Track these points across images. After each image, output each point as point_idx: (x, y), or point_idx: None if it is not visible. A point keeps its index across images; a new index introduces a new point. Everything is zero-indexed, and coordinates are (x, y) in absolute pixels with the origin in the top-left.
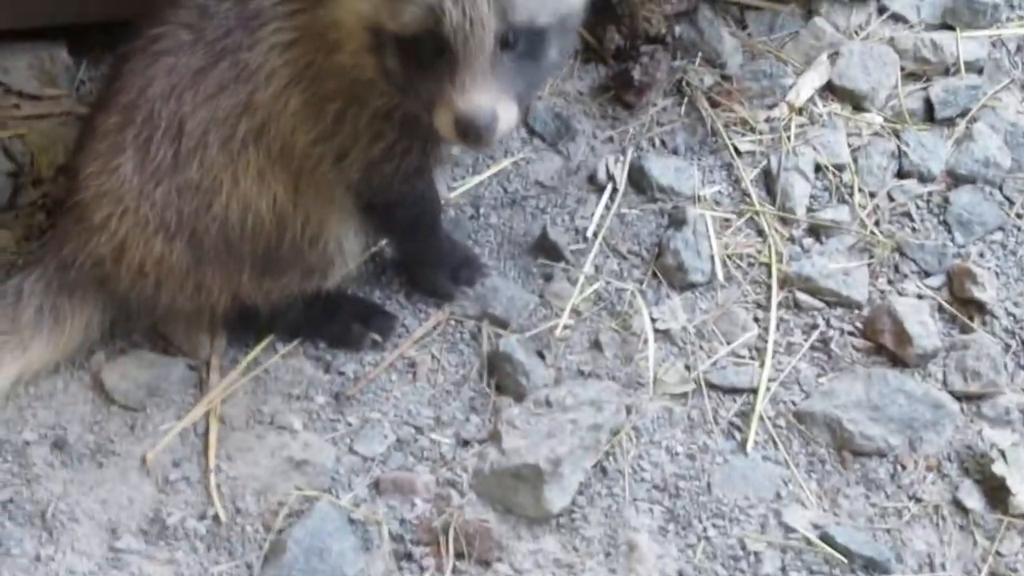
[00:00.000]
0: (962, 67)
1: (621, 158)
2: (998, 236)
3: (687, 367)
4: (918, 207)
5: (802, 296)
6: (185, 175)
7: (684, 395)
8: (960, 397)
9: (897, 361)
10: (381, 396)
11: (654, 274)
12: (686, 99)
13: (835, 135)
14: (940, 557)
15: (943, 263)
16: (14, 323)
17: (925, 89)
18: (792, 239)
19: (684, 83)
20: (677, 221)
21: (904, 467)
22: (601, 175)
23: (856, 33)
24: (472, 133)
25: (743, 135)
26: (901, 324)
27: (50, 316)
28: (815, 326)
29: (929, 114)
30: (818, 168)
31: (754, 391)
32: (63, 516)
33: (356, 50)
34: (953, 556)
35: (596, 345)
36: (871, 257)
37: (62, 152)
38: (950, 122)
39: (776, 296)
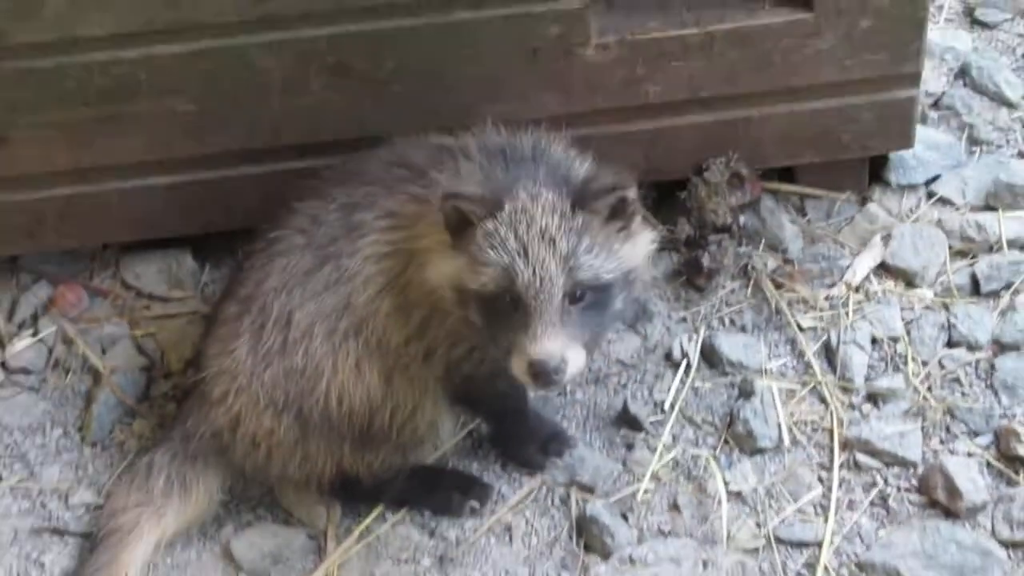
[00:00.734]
0: (1005, 244)
1: (694, 336)
2: None
3: (758, 524)
4: (967, 373)
5: (862, 457)
6: (292, 360)
7: (755, 550)
8: (1007, 545)
9: (949, 514)
10: (481, 558)
11: (726, 441)
12: (752, 281)
13: (889, 310)
14: None
15: (990, 423)
16: (148, 494)
17: (971, 265)
18: (852, 406)
19: (750, 267)
20: (746, 392)
21: None
22: (676, 352)
23: (907, 216)
24: (542, 377)
25: (805, 312)
26: (952, 480)
27: (178, 484)
28: (874, 484)
29: (975, 288)
30: (874, 341)
31: (819, 544)
32: None
33: (443, 272)
34: None
35: (675, 507)
36: (924, 420)
37: (189, 348)
38: (995, 295)
39: (838, 458)
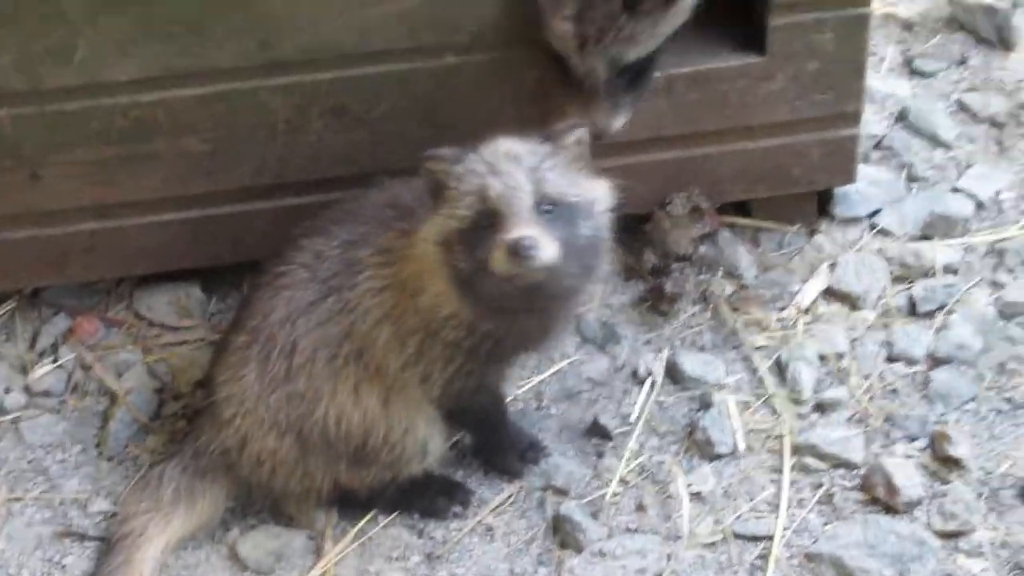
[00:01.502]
0: (939, 270)
1: (658, 356)
2: (971, 405)
3: (716, 521)
4: (904, 385)
5: (810, 460)
6: (295, 385)
7: (714, 544)
8: (941, 535)
9: (889, 509)
10: (465, 555)
11: (687, 448)
12: (711, 306)
13: (835, 330)
14: None
15: (926, 429)
16: (158, 502)
17: (909, 289)
18: (801, 415)
19: (708, 292)
20: (705, 405)
21: None
22: (642, 370)
23: (851, 246)
24: (519, 252)
25: (759, 333)
26: (891, 479)
27: (186, 495)
28: (821, 484)
29: (913, 309)
30: (821, 357)
31: (771, 538)
32: None
33: (436, 289)
34: None
35: (641, 507)
36: (866, 427)
37: (198, 371)
38: (930, 315)
39: (788, 461)
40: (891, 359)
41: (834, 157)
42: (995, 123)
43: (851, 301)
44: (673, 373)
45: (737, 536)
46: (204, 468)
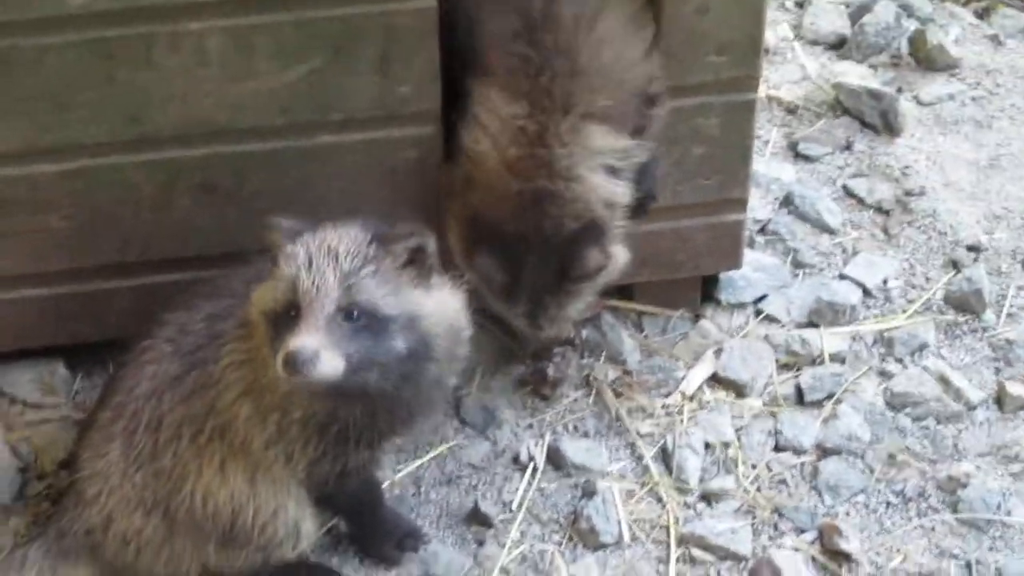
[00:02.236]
0: (827, 358)
1: (540, 441)
2: (861, 497)
3: None
4: (792, 475)
5: (697, 552)
6: (160, 462)
7: None
8: None
9: None
10: None
11: (570, 537)
12: (594, 391)
13: (721, 417)
14: None
15: (815, 521)
16: None
17: (796, 377)
18: (687, 505)
19: (592, 377)
20: (589, 493)
21: None
22: (524, 456)
23: (736, 332)
24: (291, 365)
25: (643, 419)
26: (780, 573)
27: None
28: None
29: (800, 398)
30: (707, 445)
31: None
32: None
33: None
34: None
35: None
36: (754, 518)
37: (62, 450)
38: (818, 404)
39: (674, 553)
40: (779, 448)
41: (720, 242)
42: (881, 209)
43: (737, 388)
44: (555, 459)
45: None
46: (67, 549)
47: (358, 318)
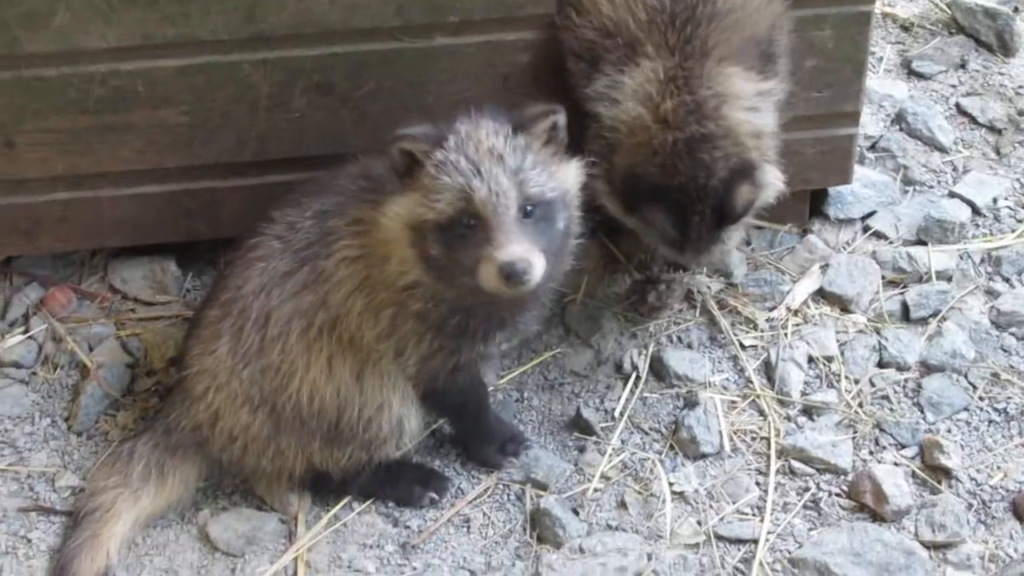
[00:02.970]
0: (933, 275)
1: (643, 351)
2: (963, 415)
3: (699, 522)
4: (895, 391)
5: (796, 464)
6: (268, 358)
7: (696, 545)
8: (929, 546)
9: (876, 517)
10: (441, 546)
11: (671, 447)
12: (699, 302)
13: (825, 332)
14: None
15: (916, 437)
16: (126, 478)
17: (902, 294)
18: (788, 418)
19: (696, 290)
20: (691, 403)
21: None
22: (627, 365)
23: (844, 248)
24: (514, 277)
25: (747, 332)
26: (880, 486)
27: (156, 471)
28: (807, 488)
29: (905, 315)
30: (810, 359)
31: (755, 542)
32: None
33: (401, 256)
34: None
35: (622, 504)
36: (855, 432)
37: (171, 348)
38: (923, 321)
39: (774, 464)
40: (882, 364)
41: (830, 156)
42: (993, 129)
43: (842, 304)
44: (658, 369)
45: (720, 538)
46: (175, 445)
47: (532, 212)
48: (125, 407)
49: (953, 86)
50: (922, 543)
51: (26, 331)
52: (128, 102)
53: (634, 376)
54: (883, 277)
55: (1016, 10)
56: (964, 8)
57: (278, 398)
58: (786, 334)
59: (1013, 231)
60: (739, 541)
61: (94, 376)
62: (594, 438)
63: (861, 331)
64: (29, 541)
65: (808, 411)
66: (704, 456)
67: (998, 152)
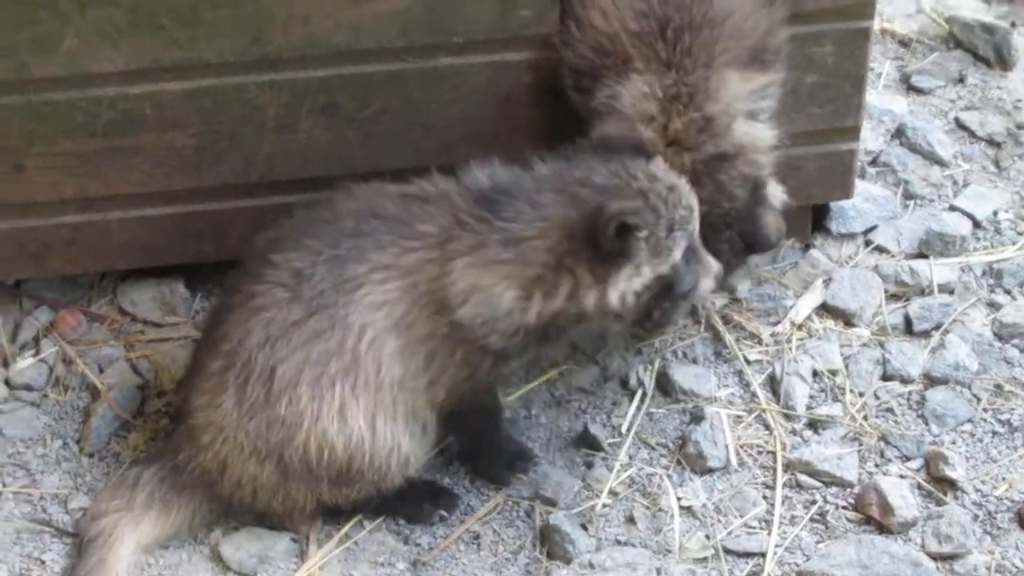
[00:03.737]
0: (935, 288)
1: (649, 367)
2: (967, 427)
3: (707, 536)
4: (899, 404)
5: (803, 477)
6: (274, 411)
7: (705, 559)
8: (935, 557)
9: (883, 529)
10: (451, 563)
11: (678, 461)
12: (704, 318)
13: (829, 346)
14: None
15: (921, 449)
16: (130, 503)
17: (905, 307)
18: (794, 431)
19: (700, 306)
20: (697, 418)
21: None
22: (633, 381)
23: (846, 262)
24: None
25: (752, 347)
26: (886, 498)
27: (159, 503)
28: (814, 502)
29: (908, 328)
30: (815, 373)
31: (763, 555)
32: None
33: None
34: None
35: (630, 519)
36: (860, 445)
37: (181, 369)
38: (926, 334)
39: (781, 478)
40: (886, 377)
41: (832, 171)
42: (992, 142)
43: (846, 317)
44: (664, 385)
45: (728, 552)
46: (182, 484)
47: None
48: (136, 428)
49: (952, 100)
50: (928, 554)
51: (36, 354)
52: (136, 125)
53: (640, 392)
54: (886, 291)
55: (1014, 25)
56: (962, 23)
57: (285, 450)
58: (790, 348)
59: (1014, 243)
60: (747, 555)
61: (105, 398)
62: (602, 454)
63: (865, 345)
64: (43, 563)
65: (813, 425)
66: (711, 471)
67: (997, 165)
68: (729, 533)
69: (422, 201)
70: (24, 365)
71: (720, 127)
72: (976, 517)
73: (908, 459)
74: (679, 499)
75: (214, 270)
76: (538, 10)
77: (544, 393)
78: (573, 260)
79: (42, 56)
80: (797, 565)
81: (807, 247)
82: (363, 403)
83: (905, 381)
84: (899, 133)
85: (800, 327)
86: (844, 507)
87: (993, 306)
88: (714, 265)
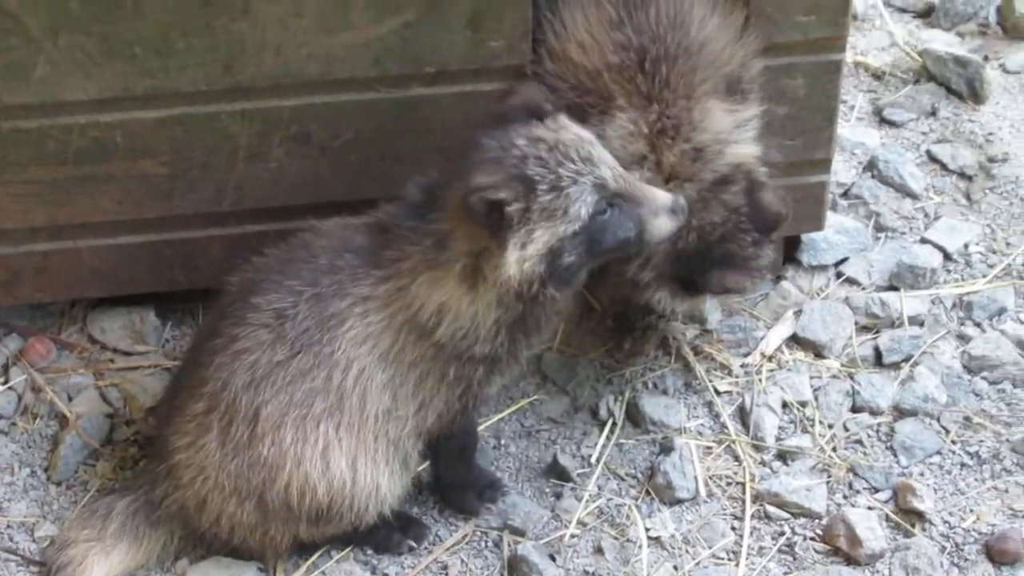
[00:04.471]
0: (905, 321)
1: (619, 397)
2: (936, 459)
3: (675, 567)
4: (869, 436)
5: (771, 509)
6: (256, 452)
7: None
8: None
9: (851, 560)
10: None
11: (647, 492)
12: (674, 349)
13: (799, 378)
14: None
15: (889, 481)
16: (100, 532)
17: (875, 339)
18: (763, 463)
19: (671, 337)
20: (666, 448)
21: None
22: (603, 412)
23: (817, 294)
24: (680, 208)
25: (722, 378)
26: (853, 530)
27: (130, 534)
28: (782, 533)
29: (878, 360)
30: (785, 404)
31: None
32: None
33: (472, 312)
34: None
35: (599, 550)
36: (829, 476)
37: (150, 398)
38: (896, 366)
39: (749, 509)
40: (855, 409)
41: (803, 204)
42: (964, 175)
43: (816, 349)
44: (634, 415)
45: None
46: (157, 518)
47: None
48: (104, 457)
49: (924, 133)
50: None
51: (5, 382)
52: (108, 153)
53: (610, 422)
54: (856, 323)
55: (986, 59)
56: (935, 57)
57: (267, 491)
58: (760, 380)
59: (984, 276)
60: None
61: (73, 426)
62: (571, 484)
63: (834, 376)
64: None
65: (783, 456)
66: (680, 501)
67: (969, 198)
68: (697, 564)
69: (381, 229)
70: None
71: (712, 154)
72: (944, 549)
73: (877, 491)
74: (647, 530)
75: (185, 298)
76: (510, 41)
77: (514, 423)
78: (479, 239)
79: (13, 83)
80: None
81: (778, 279)
82: (346, 445)
83: (874, 413)
84: (871, 166)
85: (770, 358)
86: (812, 538)
87: (963, 338)
88: (665, 199)
